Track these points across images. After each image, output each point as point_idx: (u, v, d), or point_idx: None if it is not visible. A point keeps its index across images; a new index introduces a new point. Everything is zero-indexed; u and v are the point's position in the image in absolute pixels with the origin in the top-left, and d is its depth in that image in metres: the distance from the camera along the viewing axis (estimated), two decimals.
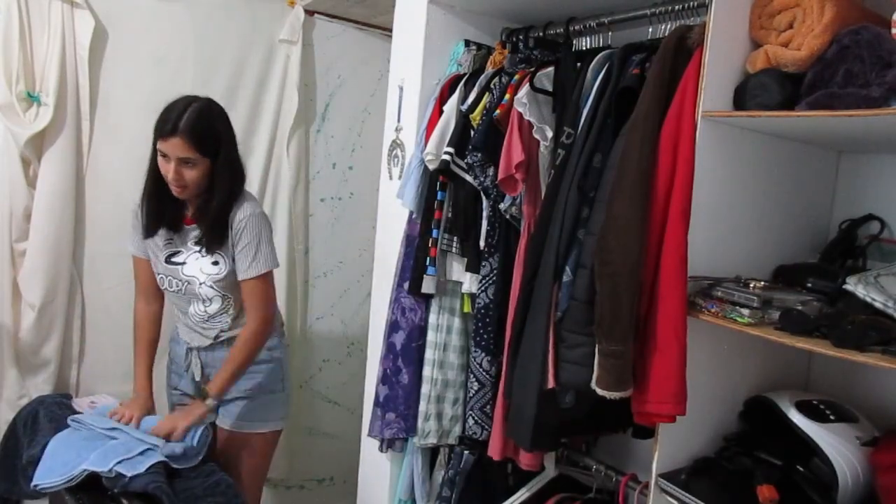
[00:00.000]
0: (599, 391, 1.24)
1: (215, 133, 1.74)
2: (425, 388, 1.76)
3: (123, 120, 2.31)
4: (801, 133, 1.38)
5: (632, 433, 1.57)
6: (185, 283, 1.84)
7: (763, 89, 1.24)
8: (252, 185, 2.62)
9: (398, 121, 1.96)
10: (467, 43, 1.88)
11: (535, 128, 1.49)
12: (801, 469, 1.28)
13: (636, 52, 1.40)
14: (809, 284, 1.30)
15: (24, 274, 2.15)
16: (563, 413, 1.41)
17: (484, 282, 1.62)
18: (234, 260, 1.81)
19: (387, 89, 2.01)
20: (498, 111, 1.58)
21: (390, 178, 2.00)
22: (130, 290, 2.39)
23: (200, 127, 1.70)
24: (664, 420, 1.25)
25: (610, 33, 1.61)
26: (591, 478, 1.62)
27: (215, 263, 1.81)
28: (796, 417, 1.29)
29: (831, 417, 1.28)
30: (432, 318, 1.77)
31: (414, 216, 1.83)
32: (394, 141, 1.99)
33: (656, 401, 1.22)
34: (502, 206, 1.57)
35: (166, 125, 1.70)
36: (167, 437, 1.73)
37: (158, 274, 1.88)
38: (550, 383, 1.37)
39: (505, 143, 1.53)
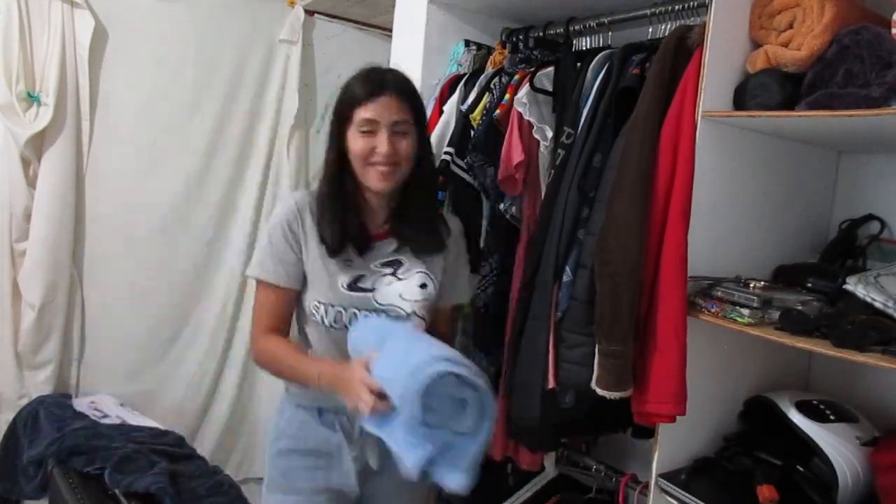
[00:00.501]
0: (599, 391, 1.24)
1: (420, 99, 1.38)
2: None
3: (123, 120, 2.32)
4: (801, 133, 1.37)
5: (632, 433, 1.57)
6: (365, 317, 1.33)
7: (763, 89, 1.24)
8: (252, 185, 2.63)
9: None
10: (467, 43, 1.88)
11: (535, 128, 1.49)
12: (801, 469, 1.28)
13: (636, 52, 1.40)
14: (809, 284, 1.30)
15: (25, 274, 2.15)
16: (563, 413, 1.40)
17: (484, 282, 1.62)
18: (440, 279, 1.38)
19: None
20: (498, 111, 1.58)
21: None
22: (130, 290, 2.40)
23: (410, 86, 1.35)
24: (664, 420, 1.25)
25: (610, 33, 1.61)
26: (591, 478, 1.62)
27: (423, 286, 1.35)
28: (796, 417, 1.28)
29: (831, 417, 1.28)
30: None
31: None
32: None
33: (656, 401, 1.22)
34: (502, 206, 1.57)
35: (371, 85, 1.30)
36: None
37: (331, 306, 1.32)
38: (551, 383, 1.37)
39: (505, 143, 1.53)
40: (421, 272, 1.36)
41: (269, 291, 1.35)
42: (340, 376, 1.22)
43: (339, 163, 1.33)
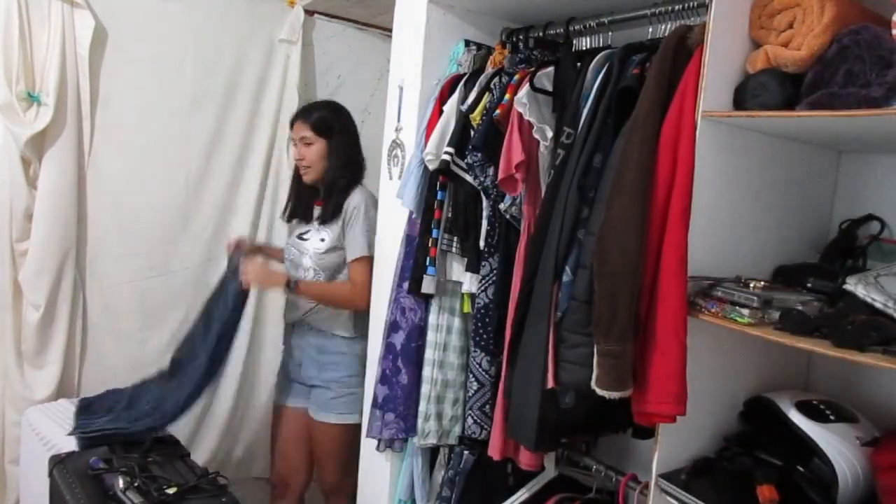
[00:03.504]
0: (599, 391, 1.24)
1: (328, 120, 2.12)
2: (425, 389, 1.76)
3: (124, 120, 2.32)
4: (802, 133, 1.37)
5: (632, 433, 1.57)
6: (297, 255, 2.15)
7: (763, 89, 1.24)
8: (252, 185, 2.63)
9: (398, 121, 1.96)
10: (467, 43, 1.87)
11: (535, 128, 1.49)
12: (801, 469, 1.28)
13: (636, 52, 1.40)
14: (809, 284, 1.30)
15: (26, 274, 2.15)
16: (563, 413, 1.40)
17: (484, 282, 1.62)
18: (342, 241, 2.08)
19: (387, 89, 2.01)
20: (498, 111, 1.58)
21: (390, 178, 2.00)
22: (131, 290, 2.41)
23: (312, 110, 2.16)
24: (664, 420, 1.25)
25: (610, 33, 1.61)
26: (591, 478, 1.62)
27: (322, 239, 2.10)
28: (796, 417, 1.28)
29: (831, 417, 1.28)
30: (432, 319, 1.77)
31: (414, 216, 1.83)
32: (394, 141, 1.99)
33: (656, 401, 1.22)
34: (502, 206, 1.57)
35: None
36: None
37: (286, 244, 2.23)
38: (550, 383, 1.37)
39: (505, 143, 1.53)
40: (327, 229, 2.10)
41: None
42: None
43: None
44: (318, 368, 2.14)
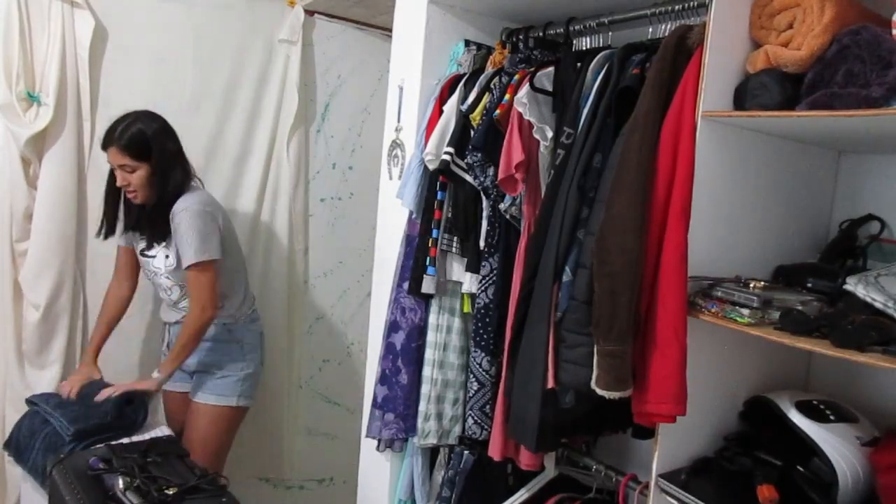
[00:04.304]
0: (599, 391, 1.24)
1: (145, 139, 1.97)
2: (425, 389, 1.76)
3: None
4: (802, 133, 1.37)
5: (632, 433, 1.57)
6: (153, 274, 2.12)
7: (763, 89, 1.24)
8: (252, 185, 2.63)
9: (398, 121, 1.96)
10: (467, 43, 1.87)
11: (535, 128, 1.49)
12: (801, 469, 1.28)
13: (636, 52, 1.40)
14: (809, 284, 1.30)
15: (27, 274, 2.15)
16: (563, 413, 1.40)
17: (484, 282, 1.62)
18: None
19: (387, 89, 2.01)
20: (498, 111, 1.58)
21: (390, 178, 2.00)
22: None
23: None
24: (664, 420, 1.25)
25: (610, 33, 1.61)
26: (591, 478, 1.62)
27: (167, 257, 2.06)
28: (796, 417, 1.28)
29: (831, 417, 1.28)
30: (432, 319, 1.77)
31: (414, 216, 1.83)
32: (394, 141, 1.99)
33: (656, 401, 1.22)
34: (502, 206, 1.57)
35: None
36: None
37: (143, 268, 2.17)
38: (550, 383, 1.37)
39: (505, 143, 1.53)
40: (166, 246, 2.05)
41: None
42: (80, 368, 2.18)
43: None
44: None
